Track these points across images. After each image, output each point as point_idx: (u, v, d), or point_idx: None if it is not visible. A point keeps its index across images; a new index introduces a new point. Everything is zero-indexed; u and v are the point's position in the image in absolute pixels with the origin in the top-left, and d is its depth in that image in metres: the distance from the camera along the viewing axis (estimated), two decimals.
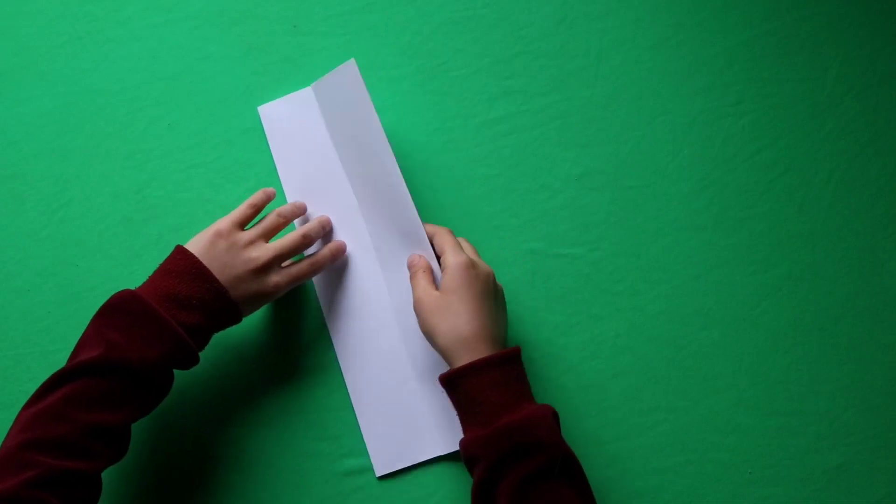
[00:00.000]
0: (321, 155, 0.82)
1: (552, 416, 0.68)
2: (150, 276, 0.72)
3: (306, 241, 0.78)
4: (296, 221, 0.82)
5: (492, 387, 0.68)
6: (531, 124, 0.84)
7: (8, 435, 0.65)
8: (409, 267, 0.77)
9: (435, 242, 0.76)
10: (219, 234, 0.74)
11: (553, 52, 0.85)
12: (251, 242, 0.74)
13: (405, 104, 0.84)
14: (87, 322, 0.81)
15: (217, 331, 0.74)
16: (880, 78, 0.85)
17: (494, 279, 0.74)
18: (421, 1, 0.85)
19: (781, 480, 0.80)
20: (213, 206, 0.83)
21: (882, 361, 0.81)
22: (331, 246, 0.80)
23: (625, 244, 0.82)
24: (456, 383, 0.70)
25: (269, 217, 0.78)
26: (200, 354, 0.73)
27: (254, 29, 0.85)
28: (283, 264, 0.77)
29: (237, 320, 0.74)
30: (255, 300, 0.74)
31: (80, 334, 0.81)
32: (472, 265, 0.73)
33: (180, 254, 0.72)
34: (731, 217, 0.83)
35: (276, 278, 0.75)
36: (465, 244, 0.77)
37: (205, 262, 0.72)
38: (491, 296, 0.73)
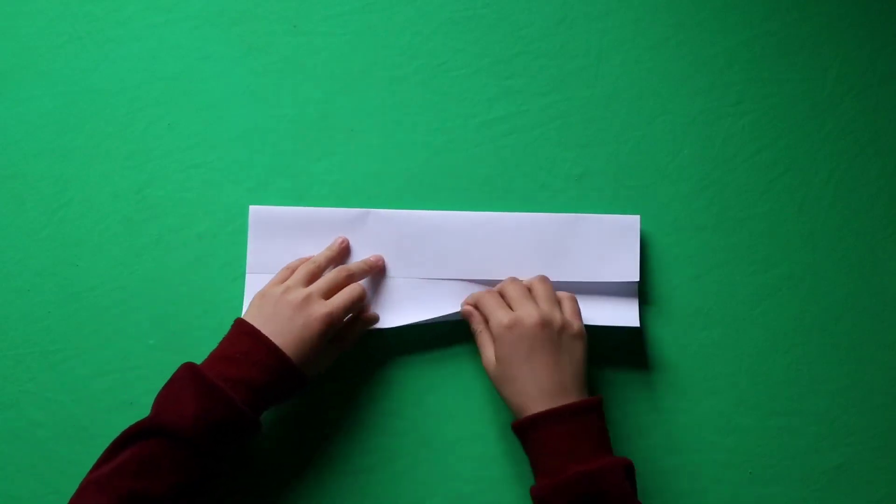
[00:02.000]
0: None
1: (623, 469, 0.68)
2: None
3: (350, 277, 0.77)
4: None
5: (560, 437, 0.69)
6: (531, 124, 0.84)
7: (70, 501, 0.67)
8: (467, 318, 0.79)
9: (480, 310, 0.77)
10: (260, 296, 0.75)
11: (553, 52, 0.85)
12: (287, 289, 0.74)
13: (405, 104, 0.84)
14: (87, 322, 0.81)
15: (279, 388, 0.72)
16: (880, 78, 0.85)
17: (546, 324, 0.72)
18: (421, 1, 0.85)
19: (781, 480, 0.80)
20: (213, 206, 0.83)
21: (882, 361, 0.81)
22: (366, 259, 0.80)
23: None
24: (525, 432, 0.71)
25: (302, 267, 0.78)
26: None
27: (254, 29, 0.85)
28: None
29: (301, 378, 0.72)
30: (307, 344, 0.72)
31: (80, 334, 0.81)
32: (510, 326, 0.73)
33: (234, 323, 0.74)
34: (731, 217, 0.83)
35: (320, 309, 0.73)
36: (510, 290, 0.76)
37: (256, 324, 0.72)
38: (546, 346, 0.72)
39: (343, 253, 0.81)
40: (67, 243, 0.82)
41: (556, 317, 0.73)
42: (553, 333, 0.73)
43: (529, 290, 0.77)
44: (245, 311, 0.75)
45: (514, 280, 0.78)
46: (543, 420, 0.70)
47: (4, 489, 0.79)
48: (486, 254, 0.81)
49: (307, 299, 0.73)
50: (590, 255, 0.80)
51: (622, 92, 0.84)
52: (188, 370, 0.70)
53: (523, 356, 0.72)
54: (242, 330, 0.72)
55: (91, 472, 0.68)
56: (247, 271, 0.81)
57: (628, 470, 0.69)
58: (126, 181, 0.83)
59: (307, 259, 0.80)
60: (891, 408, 0.81)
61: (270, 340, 0.71)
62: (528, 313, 0.73)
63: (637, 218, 0.81)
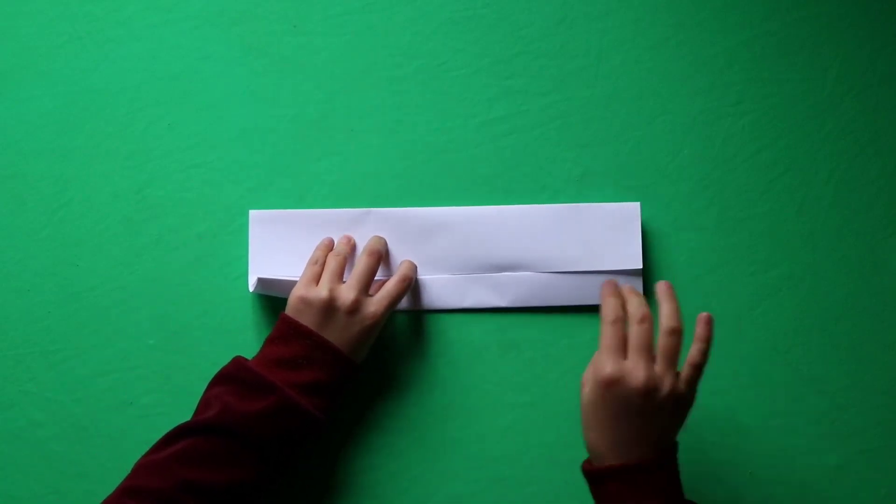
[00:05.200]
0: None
1: None
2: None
3: (377, 257, 0.78)
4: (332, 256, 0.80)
5: (623, 495, 0.65)
6: (531, 124, 0.84)
7: (124, 480, 0.68)
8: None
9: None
10: (301, 300, 0.74)
11: (553, 52, 0.85)
12: (332, 294, 0.74)
13: (405, 104, 0.84)
14: (87, 322, 0.81)
15: (344, 386, 0.74)
16: (880, 78, 0.85)
17: (650, 391, 0.65)
18: (421, 1, 0.85)
19: (781, 480, 0.80)
20: (213, 206, 0.83)
21: (882, 361, 0.81)
22: (404, 262, 0.80)
23: None
24: (593, 482, 0.68)
25: (330, 261, 0.78)
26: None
27: (254, 29, 0.85)
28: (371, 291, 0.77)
29: (355, 369, 0.74)
30: (365, 344, 0.75)
31: (80, 334, 0.81)
32: (611, 384, 0.66)
33: (279, 321, 0.74)
34: (731, 217, 0.83)
35: (371, 309, 0.75)
36: (635, 333, 0.68)
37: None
38: (639, 412, 0.65)
39: (354, 247, 0.81)
40: (67, 243, 0.82)
41: (666, 383, 0.66)
42: (653, 402, 0.66)
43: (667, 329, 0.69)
44: (290, 312, 0.75)
45: (643, 318, 0.68)
46: (608, 475, 0.66)
47: (4, 489, 0.79)
48: (488, 248, 0.81)
49: (356, 303, 0.74)
50: (592, 244, 0.80)
51: (622, 92, 0.84)
52: (250, 370, 0.71)
53: (612, 415, 0.66)
54: (302, 332, 0.73)
55: (150, 453, 0.69)
56: (249, 277, 0.81)
57: None
58: (126, 181, 0.83)
59: (326, 243, 0.80)
60: (891, 408, 0.81)
61: (334, 345, 0.72)
62: (634, 374, 0.66)
63: (637, 205, 0.81)
